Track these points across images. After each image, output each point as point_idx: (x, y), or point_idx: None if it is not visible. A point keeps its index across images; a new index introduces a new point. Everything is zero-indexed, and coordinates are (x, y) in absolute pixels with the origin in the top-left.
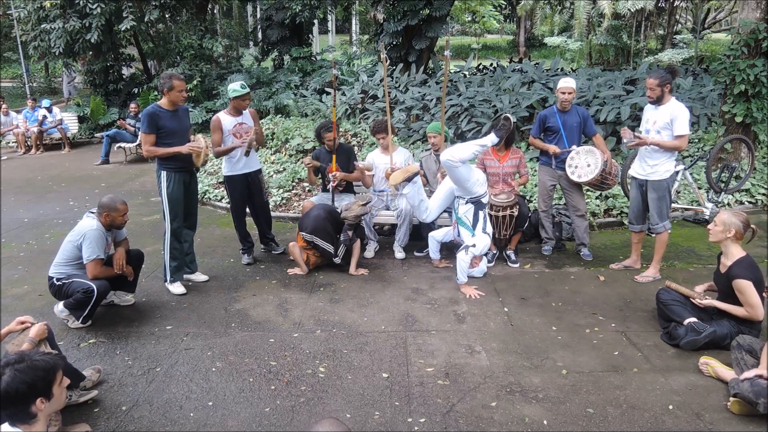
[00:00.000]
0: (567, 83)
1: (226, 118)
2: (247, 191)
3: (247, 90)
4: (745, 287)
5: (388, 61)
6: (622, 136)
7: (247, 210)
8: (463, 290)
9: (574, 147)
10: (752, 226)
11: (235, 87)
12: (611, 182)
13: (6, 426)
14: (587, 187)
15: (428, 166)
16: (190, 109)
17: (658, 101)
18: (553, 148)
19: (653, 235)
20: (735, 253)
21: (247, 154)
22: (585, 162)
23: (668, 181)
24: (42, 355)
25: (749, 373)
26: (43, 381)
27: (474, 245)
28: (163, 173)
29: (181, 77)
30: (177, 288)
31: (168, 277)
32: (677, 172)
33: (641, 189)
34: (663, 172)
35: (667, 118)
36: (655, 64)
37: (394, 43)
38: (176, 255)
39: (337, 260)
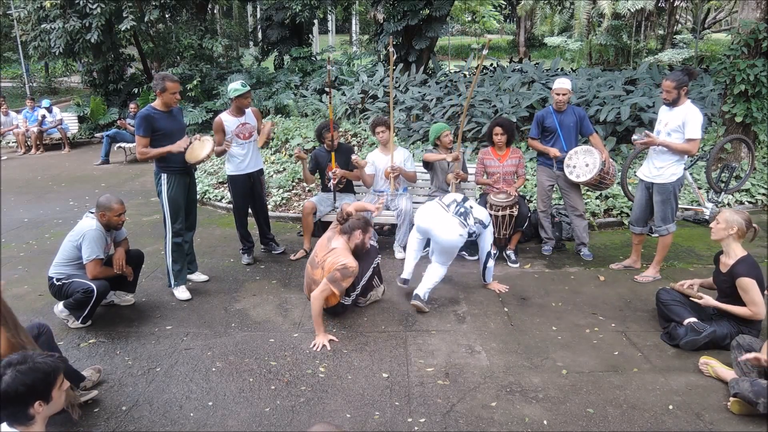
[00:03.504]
0: (562, 84)
1: (228, 119)
2: (249, 191)
3: (248, 89)
4: (750, 285)
5: (395, 56)
6: (635, 135)
7: (249, 210)
8: (491, 287)
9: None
10: (754, 225)
11: (235, 86)
12: (609, 182)
13: (5, 426)
14: (586, 187)
15: (441, 164)
16: (190, 110)
17: (673, 103)
18: (554, 152)
19: (654, 236)
20: (737, 251)
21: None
22: (583, 162)
23: (674, 185)
24: (44, 356)
25: (749, 355)
26: (43, 383)
27: (492, 242)
28: (164, 176)
29: (174, 79)
30: (182, 293)
31: (172, 282)
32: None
33: (648, 191)
34: (669, 176)
35: (679, 121)
36: (655, 64)
37: (394, 43)
38: (178, 258)
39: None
